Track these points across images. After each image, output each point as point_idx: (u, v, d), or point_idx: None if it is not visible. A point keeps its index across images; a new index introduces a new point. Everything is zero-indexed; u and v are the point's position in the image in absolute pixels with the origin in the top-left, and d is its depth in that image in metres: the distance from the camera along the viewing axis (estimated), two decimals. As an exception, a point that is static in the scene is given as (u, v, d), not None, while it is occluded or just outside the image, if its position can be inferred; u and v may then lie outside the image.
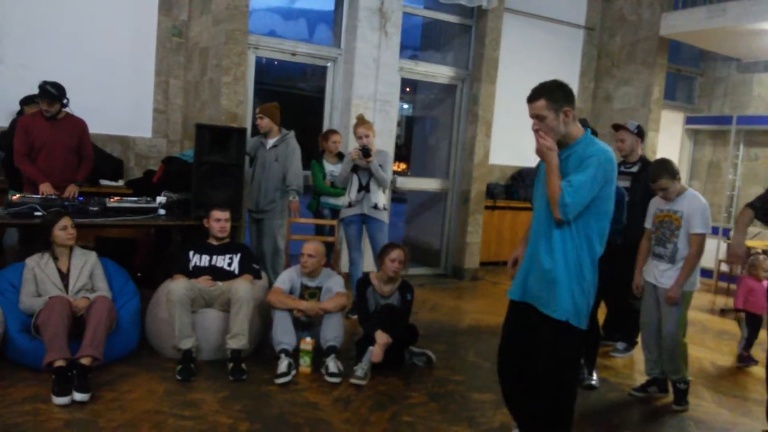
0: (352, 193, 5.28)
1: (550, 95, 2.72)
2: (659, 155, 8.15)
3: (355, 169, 5.24)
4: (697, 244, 3.80)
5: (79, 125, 4.91)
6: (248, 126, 6.03)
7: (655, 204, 4.03)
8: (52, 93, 4.63)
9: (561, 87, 2.75)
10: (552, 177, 2.70)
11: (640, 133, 4.87)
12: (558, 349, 2.79)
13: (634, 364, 4.80)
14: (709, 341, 5.64)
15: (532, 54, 8.19)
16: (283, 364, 3.91)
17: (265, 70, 8.92)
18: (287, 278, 4.34)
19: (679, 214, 3.85)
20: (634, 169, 4.82)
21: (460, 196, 7.67)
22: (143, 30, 6.30)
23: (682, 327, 3.91)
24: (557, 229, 2.75)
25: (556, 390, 2.83)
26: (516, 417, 3.11)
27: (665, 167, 3.83)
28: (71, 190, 4.76)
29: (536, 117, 2.74)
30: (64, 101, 4.75)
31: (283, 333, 4.06)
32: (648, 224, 4.07)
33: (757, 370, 4.77)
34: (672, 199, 3.88)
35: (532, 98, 2.75)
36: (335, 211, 5.85)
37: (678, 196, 3.87)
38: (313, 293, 4.33)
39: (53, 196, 4.54)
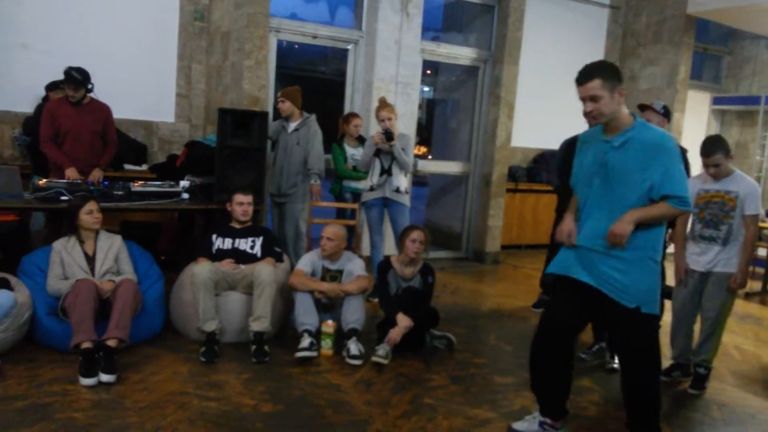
0: (374, 177, 5.27)
1: (604, 73, 2.59)
2: (685, 136, 8.03)
3: (378, 152, 5.22)
4: (755, 224, 3.73)
5: (104, 110, 4.97)
6: (270, 110, 6.04)
7: (697, 184, 3.90)
8: (77, 78, 4.68)
9: (612, 65, 2.68)
10: (650, 212, 2.64)
11: (667, 114, 4.77)
12: (636, 337, 2.79)
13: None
14: (733, 325, 5.56)
15: (555, 34, 8.07)
16: (306, 341, 3.94)
17: (285, 53, 8.89)
18: (309, 261, 4.36)
19: (733, 195, 3.75)
20: (660, 150, 4.74)
21: (481, 179, 7.62)
22: (165, 14, 6.32)
23: (729, 311, 3.87)
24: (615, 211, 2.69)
25: (643, 389, 2.81)
26: (541, 397, 3.09)
27: (721, 143, 3.74)
28: (96, 175, 4.82)
29: (590, 99, 2.61)
30: (89, 86, 4.80)
31: (306, 314, 4.09)
32: None
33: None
34: (720, 179, 3.80)
35: (584, 78, 2.61)
36: (357, 195, 5.85)
37: (726, 177, 3.79)
38: (335, 276, 4.35)
39: (79, 181, 4.60)
